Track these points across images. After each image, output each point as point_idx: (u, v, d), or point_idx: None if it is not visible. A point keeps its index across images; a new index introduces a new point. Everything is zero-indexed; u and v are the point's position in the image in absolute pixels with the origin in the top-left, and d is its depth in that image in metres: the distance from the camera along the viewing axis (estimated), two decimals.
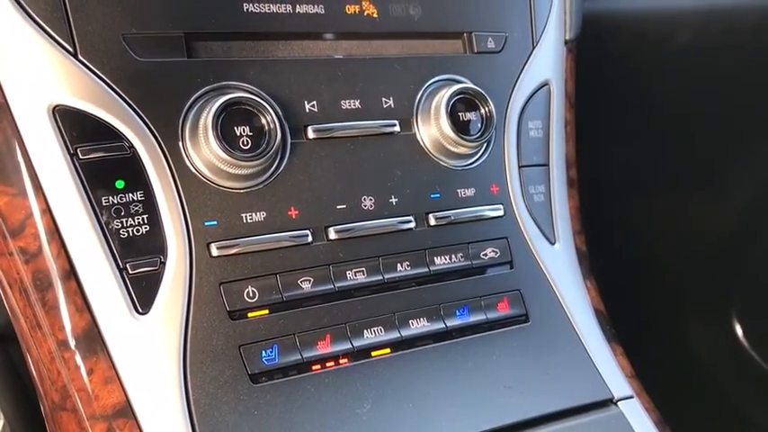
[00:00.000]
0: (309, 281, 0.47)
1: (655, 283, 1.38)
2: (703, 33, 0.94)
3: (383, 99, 0.51)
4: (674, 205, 1.30)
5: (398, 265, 0.50)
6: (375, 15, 0.51)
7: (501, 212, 0.54)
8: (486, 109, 0.53)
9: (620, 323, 1.49)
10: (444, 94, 0.52)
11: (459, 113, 0.52)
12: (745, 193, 1.31)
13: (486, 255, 0.53)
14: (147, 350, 0.43)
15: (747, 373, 1.34)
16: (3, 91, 0.42)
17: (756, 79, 1.09)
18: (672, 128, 1.15)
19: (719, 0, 0.88)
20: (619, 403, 0.53)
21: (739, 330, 1.38)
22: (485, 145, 0.54)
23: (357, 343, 0.47)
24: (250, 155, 0.45)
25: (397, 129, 0.51)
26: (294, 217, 0.47)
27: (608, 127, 1.14)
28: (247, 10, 0.47)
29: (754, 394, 1.27)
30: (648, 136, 1.16)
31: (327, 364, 0.46)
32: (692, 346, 1.43)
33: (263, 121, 0.45)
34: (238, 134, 0.45)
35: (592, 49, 0.90)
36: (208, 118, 0.44)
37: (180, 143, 0.45)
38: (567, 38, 0.61)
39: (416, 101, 0.52)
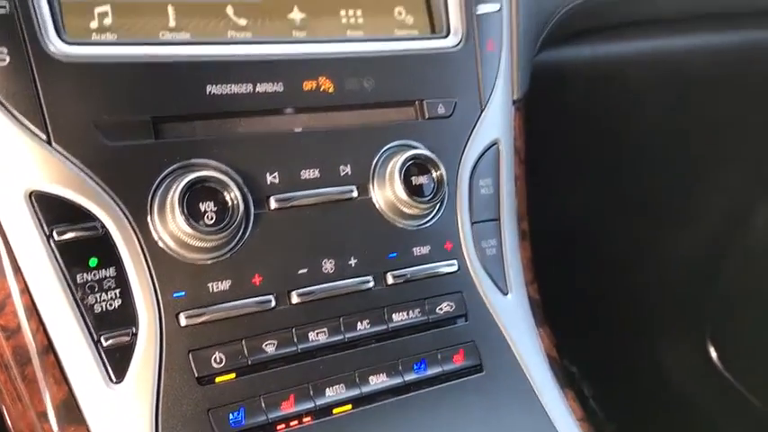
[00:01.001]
0: (274, 344, 0.50)
1: (628, 310, 1.42)
2: (657, 73, 0.99)
3: (341, 167, 0.55)
4: (643, 234, 1.35)
5: (358, 323, 0.53)
6: (331, 90, 0.55)
7: (455, 268, 0.58)
8: (438, 173, 0.56)
9: (595, 350, 1.53)
10: (398, 160, 0.55)
11: (413, 177, 0.56)
12: (710, 219, 1.36)
13: (441, 309, 0.57)
14: (122, 417, 0.45)
15: (723, 396, 1.38)
16: None
17: (711, 113, 1.15)
18: (638, 162, 1.20)
19: (671, 42, 0.93)
20: None
21: (713, 353, 1.42)
22: (438, 205, 0.57)
23: (320, 401, 0.50)
24: (214, 229, 0.48)
25: (355, 194, 0.55)
26: (258, 284, 0.50)
27: (576, 163, 1.19)
28: (210, 92, 0.51)
29: (730, 416, 1.31)
30: (614, 170, 1.21)
31: (291, 423, 0.49)
32: (667, 370, 1.47)
33: (227, 197, 0.49)
34: (203, 210, 0.48)
35: (554, 94, 0.95)
36: (174, 196, 0.47)
37: (149, 220, 0.48)
38: (515, 98, 0.65)
39: (372, 167, 0.56)
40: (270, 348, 0.50)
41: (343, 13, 0.59)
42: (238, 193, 0.49)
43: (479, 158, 0.61)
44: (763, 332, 1.30)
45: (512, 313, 0.59)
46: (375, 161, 0.56)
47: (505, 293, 0.60)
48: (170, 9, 0.53)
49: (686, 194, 1.29)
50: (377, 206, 0.56)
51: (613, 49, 0.94)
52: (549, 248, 1.34)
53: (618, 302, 1.39)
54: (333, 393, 0.51)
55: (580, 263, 1.37)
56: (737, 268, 1.35)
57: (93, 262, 0.47)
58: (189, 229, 0.47)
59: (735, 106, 1.12)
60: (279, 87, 0.54)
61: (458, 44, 0.61)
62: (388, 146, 0.57)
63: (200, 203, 0.48)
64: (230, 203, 0.49)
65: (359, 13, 0.60)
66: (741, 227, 1.32)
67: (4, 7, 0.45)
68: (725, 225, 1.34)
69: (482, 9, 0.63)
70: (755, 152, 1.24)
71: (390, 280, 0.55)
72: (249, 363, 0.49)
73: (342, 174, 0.55)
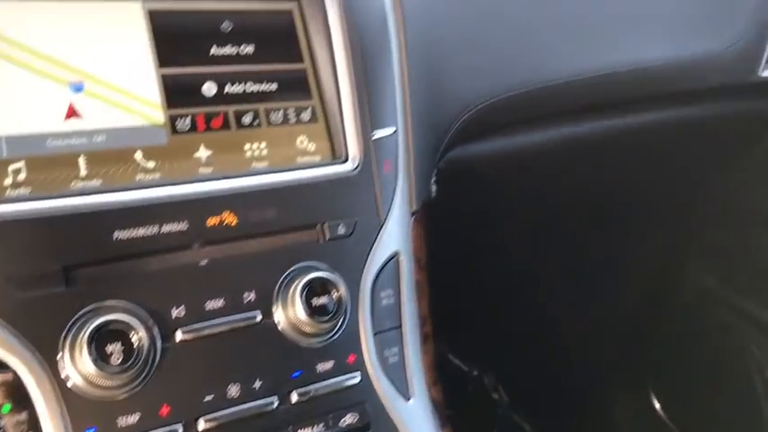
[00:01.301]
0: None
1: (575, 364, 1.48)
2: (568, 155, 1.05)
3: (245, 294, 0.59)
4: (583, 292, 1.41)
5: None
6: (234, 224, 0.60)
7: (358, 380, 0.62)
8: (337, 293, 0.61)
9: (545, 405, 1.58)
10: (299, 283, 0.60)
11: (314, 299, 0.60)
12: (643, 277, 1.43)
13: (345, 421, 0.61)
14: None
15: None
16: None
17: (632, 183, 1.22)
18: (568, 230, 1.27)
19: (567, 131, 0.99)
20: None
21: (657, 403, 1.48)
22: (340, 320, 0.62)
23: None
24: (121, 369, 0.52)
25: (259, 318, 0.59)
26: (166, 414, 0.54)
27: (509, 235, 1.25)
28: (117, 238, 0.55)
29: None
30: (548, 237, 1.28)
31: None
32: (614, 422, 1.52)
33: (133, 338, 0.53)
34: (110, 351, 0.52)
35: (473, 182, 1.01)
36: (83, 340, 0.52)
37: (60, 363, 0.52)
38: (414, 209, 0.71)
39: (275, 291, 0.60)
40: None
41: (247, 146, 0.64)
42: (144, 333, 0.53)
43: (380, 271, 0.66)
44: (701, 381, 1.37)
45: (414, 418, 0.64)
46: (278, 285, 0.61)
47: (408, 399, 0.64)
48: (81, 159, 0.58)
49: (619, 256, 1.36)
50: (280, 328, 0.60)
51: (527, 138, 1.00)
52: (495, 313, 1.40)
53: (564, 358, 1.45)
54: None
55: (527, 322, 1.43)
56: (673, 321, 1.42)
57: (6, 408, 0.50)
58: (96, 371, 0.51)
59: (651, 176, 1.20)
60: (183, 226, 0.58)
61: (356, 168, 0.66)
62: (291, 269, 0.62)
63: (108, 345, 0.52)
64: (136, 344, 0.53)
65: (263, 145, 0.65)
66: (673, 283, 1.39)
67: None
68: (657, 282, 1.41)
69: (378, 134, 0.68)
70: (676, 218, 1.31)
71: (295, 398, 0.59)
72: None
73: (246, 301, 0.59)
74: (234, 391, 0.57)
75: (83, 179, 0.57)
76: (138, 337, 0.53)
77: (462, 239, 1.19)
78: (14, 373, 0.50)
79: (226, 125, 0.64)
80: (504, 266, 1.29)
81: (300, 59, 0.68)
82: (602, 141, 1.05)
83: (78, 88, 0.59)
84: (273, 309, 0.60)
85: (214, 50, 0.64)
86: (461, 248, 1.24)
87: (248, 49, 0.66)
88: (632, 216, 1.27)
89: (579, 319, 1.39)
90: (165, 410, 0.54)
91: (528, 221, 1.18)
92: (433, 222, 0.84)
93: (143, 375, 0.54)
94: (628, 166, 1.16)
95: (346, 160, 0.66)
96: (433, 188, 0.85)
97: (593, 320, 1.41)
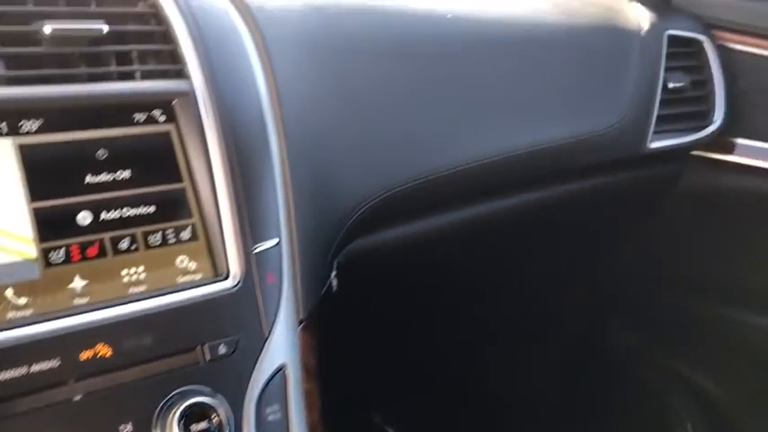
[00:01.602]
0: None
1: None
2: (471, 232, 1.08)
3: (121, 426, 0.59)
4: (510, 360, 1.44)
5: None
6: (108, 355, 0.60)
7: None
8: (218, 418, 0.61)
9: None
10: (176, 411, 0.60)
11: (192, 425, 0.60)
12: (565, 340, 1.46)
13: None
14: None
15: None
16: None
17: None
18: (492, 297, 1.30)
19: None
20: None
21: None
22: None
23: None
24: None
25: None
26: None
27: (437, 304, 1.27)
28: None
29: None
30: (468, 308, 1.30)
31: None
32: None
33: None
34: None
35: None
36: None
37: None
38: (301, 317, 0.72)
39: (154, 419, 0.60)
40: None
41: (125, 272, 0.64)
42: None
43: (265, 386, 0.66)
44: None
45: None
46: (156, 413, 0.61)
47: None
48: None
49: (540, 319, 1.39)
50: None
51: (433, 221, 1.02)
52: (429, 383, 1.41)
53: (499, 425, 1.46)
54: None
55: (460, 390, 1.44)
56: (598, 379, 1.45)
57: None
58: None
59: (563, 244, 1.24)
60: (55, 363, 0.58)
61: (236, 285, 0.67)
62: (171, 394, 0.62)
63: None
64: None
65: (141, 269, 0.65)
66: (596, 342, 1.43)
67: None
68: (581, 342, 1.44)
69: (260, 247, 0.70)
70: (594, 281, 1.35)
71: None
72: None
73: None
74: None
75: None
76: None
77: (382, 317, 1.21)
78: None
79: (102, 253, 0.64)
80: (427, 338, 1.31)
81: (179, 179, 0.69)
82: (509, 217, 1.08)
83: None
84: None
85: (89, 179, 0.65)
86: (386, 323, 1.26)
87: (125, 174, 0.66)
88: (550, 282, 1.30)
89: (510, 385, 1.41)
90: None
91: (444, 296, 1.20)
92: (346, 308, 0.85)
93: None
94: (539, 234, 1.20)
95: (227, 277, 0.67)
96: (335, 282, 0.87)
97: (524, 384, 1.43)
